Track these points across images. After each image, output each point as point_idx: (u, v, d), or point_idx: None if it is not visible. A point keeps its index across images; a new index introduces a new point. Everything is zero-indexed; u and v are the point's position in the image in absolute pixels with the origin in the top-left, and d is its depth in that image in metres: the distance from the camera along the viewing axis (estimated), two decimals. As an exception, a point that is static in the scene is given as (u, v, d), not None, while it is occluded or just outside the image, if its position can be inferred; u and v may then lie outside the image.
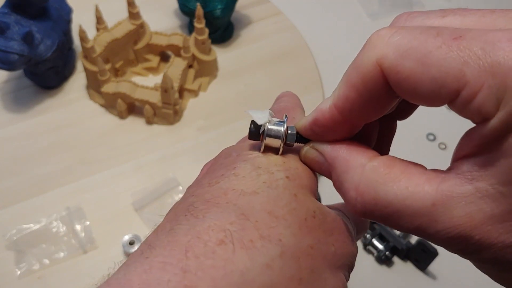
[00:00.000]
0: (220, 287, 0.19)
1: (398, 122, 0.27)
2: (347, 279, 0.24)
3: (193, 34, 0.67)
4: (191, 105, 0.67)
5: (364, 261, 0.57)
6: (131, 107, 0.66)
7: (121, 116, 0.65)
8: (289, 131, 0.25)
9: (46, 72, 0.65)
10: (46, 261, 0.54)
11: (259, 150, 0.25)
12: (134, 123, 0.66)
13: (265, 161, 0.25)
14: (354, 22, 0.81)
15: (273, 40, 0.74)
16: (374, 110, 0.22)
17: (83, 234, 0.56)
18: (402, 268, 0.56)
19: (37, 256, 0.54)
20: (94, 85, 0.66)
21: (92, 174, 0.61)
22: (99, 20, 0.65)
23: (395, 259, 0.57)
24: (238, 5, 0.71)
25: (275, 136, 0.25)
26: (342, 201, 0.24)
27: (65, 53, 0.67)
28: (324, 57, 0.74)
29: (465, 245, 0.19)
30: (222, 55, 0.71)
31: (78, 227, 0.56)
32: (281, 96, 0.32)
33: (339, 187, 0.23)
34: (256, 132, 0.25)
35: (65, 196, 0.59)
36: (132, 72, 0.71)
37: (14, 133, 0.64)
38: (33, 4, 0.60)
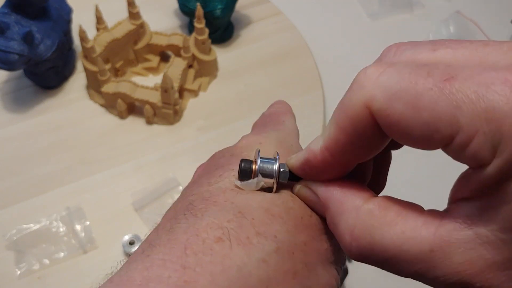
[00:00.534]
0: (219, 281, 0.19)
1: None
2: (339, 273, 0.25)
3: (193, 34, 0.67)
4: (191, 105, 0.67)
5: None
6: (131, 107, 0.66)
7: (121, 116, 0.65)
8: (281, 170, 0.24)
9: (46, 72, 0.65)
10: (46, 261, 0.54)
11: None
12: (134, 123, 0.66)
13: None
14: (354, 22, 0.81)
15: (273, 40, 0.74)
16: (366, 151, 0.21)
17: (83, 234, 0.56)
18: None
19: (37, 256, 0.54)
20: (94, 85, 0.66)
21: (92, 174, 0.61)
22: (99, 20, 0.65)
23: (395, 259, 0.57)
24: (238, 5, 0.71)
25: (268, 175, 0.24)
26: None
27: (65, 53, 0.67)
28: (324, 57, 0.74)
29: None
30: (222, 55, 0.71)
31: (78, 227, 0.56)
32: (274, 104, 0.32)
33: (333, 229, 0.22)
34: (247, 172, 0.24)
35: (65, 196, 0.59)
36: (132, 72, 0.71)
37: (14, 133, 0.64)
38: (33, 4, 0.60)
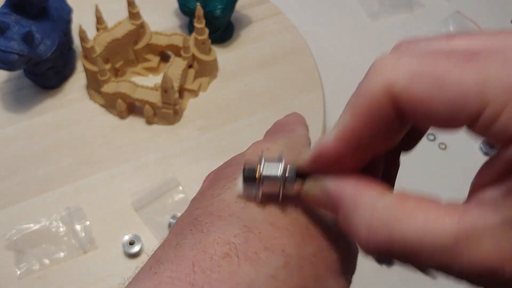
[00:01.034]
0: None
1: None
2: (350, 283, 0.24)
3: (193, 34, 0.67)
4: (191, 105, 0.67)
5: (364, 261, 0.57)
6: (131, 107, 0.66)
7: (121, 116, 0.65)
8: (288, 168, 0.23)
9: (46, 72, 0.65)
10: (46, 261, 0.54)
11: (254, 199, 0.23)
12: (134, 123, 0.66)
13: None
14: (354, 22, 0.81)
15: (273, 40, 0.74)
16: (383, 141, 0.20)
17: (83, 234, 0.56)
18: (402, 268, 0.56)
19: (37, 256, 0.54)
20: (94, 85, 0.66)
21: (92, 174, 0.61)
22: (99, 20, 0.65)
23: (395, 259, 0.57)
24: (238, 5, 0.71)
25: (273, 177, 0.22)
26: None
27: (65, 53, 0.67)
28: (324, 57, 0.74)
29: (497, 282, 0.18)
30: (222, 55, 0.71)
31: (78, 227, 0.56)
32: (288, 114, 0.31)
33: (346, 226, 0.21)
34: (251, 178, 0.23)
35: (65, 196, 0.59)
36: (132, 72, 0.71)
37: (14, 133, 0.64)
38: (33, 4, 0.60)
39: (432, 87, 0.17)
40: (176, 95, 0.63)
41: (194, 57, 0.68)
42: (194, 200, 0.26)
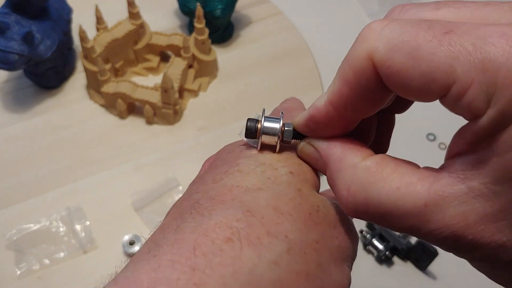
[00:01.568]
0: (229, 284, 0.19)
1: (398, 122, 0.27)
2: (350, 270, 0.24)
3: (193, 34, 0.67)
4: (191, 105, 0.67)
5: (364, 261, 0.57)
6: (131, 107, 0.66)
7: (121, 116, 0.65)
8: (285, 128, 0.25)
9: (46, 72, 0.65)
10: (46, 261, 0.54)
11: (255, 148, 0.25)
12: (134, 123, 0.66)
13: (269, 157, 0.25)
14: (354, 22, 0.81)
15: (273, 40, 0.74)
16: (369, 105, 0.21)
17: (83, 234, 0.56)
18: (402, 268, 0.56)
19: (37, 256, 0.54)
20: (94, 85, 0.66)
21: (92, 174, 0.61)
22: (99, 20, 0.65)
23: (395, 259, 0.57)
24: (238, 5, 0.71)
25: (272, 133, 0.25)
26: None
27: (65, 53, 0.67)
28: (324, 57, 0.74)
29: (459, 245, 0.19)
30: (222, 55, 0.71)
31: (78, 227, 0.56)
32: (286, 100, 0.32)
33: (332, 185, 0.23)
34: (252, 130, 0.25)
35: (65, 196, 0.59)
36: (132, 72, 0.71)
37: (14, 133, 0.64)
38: (33, 4, 0.60)
39: (408, 60, 0.18)
40: (176, 95, 0.63)
41: (194, 57, 0.68)
42: (193, 184, 0.26)
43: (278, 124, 0.25)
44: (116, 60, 0.68)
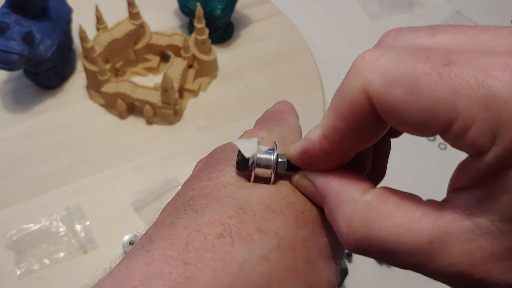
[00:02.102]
0: (220, 278, 0.19)
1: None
2: (339, 266, 0.25)
3: (193, 34, 0.67)
4: (191, 105, 0.67)
5: (364, 261, 0.57)
6: (131, 107, 0.66)
7: (121, 116, 0.65)
8: (279, 160, 0.24)
9: (46, 72, 0.65)
10: (46, 261, 0.54)
11: (248, 179, 0.24)
12: (134, 123, 0.66)
13: None
14: (354, 22, 0.81)
15: (273, 40, 0.74)
16: (365, 139, 0.20)
17: (83, 234, 0.56)
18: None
19: (37, 256, 0.54)
20: (94, 85, 0.66)
21: (92, 174, 0.61)
22: (99, 20, 0.65)
23: (395, 259, 0.57)
24: (238, 5, 0.71)
25: (265, 166, 0.23)
26: None
27: (65, 53, 0.67)
28: (324, 57, 0.74)
29: (467, 283, 0.18)
30: (222, 55, 0.71)
31: (78, 227, 0.56)
32: (277, 103, 0.33)
33: (331, 220, 0.22)
34: (245, 162, 0.24)
35: (65, 196, 0.59)
36: (132, 72, 0.71)
37: (14, 133, 0.64)
38: (33, 4, 0.60)
39: (406, 93, 0.17)
40: (176, 95, 0.63)
41: (194, 57, 0.68)
42: (187, 182, 0.26)
43: (273, 156, 0.24)
44: (116, 60, 0.68)
